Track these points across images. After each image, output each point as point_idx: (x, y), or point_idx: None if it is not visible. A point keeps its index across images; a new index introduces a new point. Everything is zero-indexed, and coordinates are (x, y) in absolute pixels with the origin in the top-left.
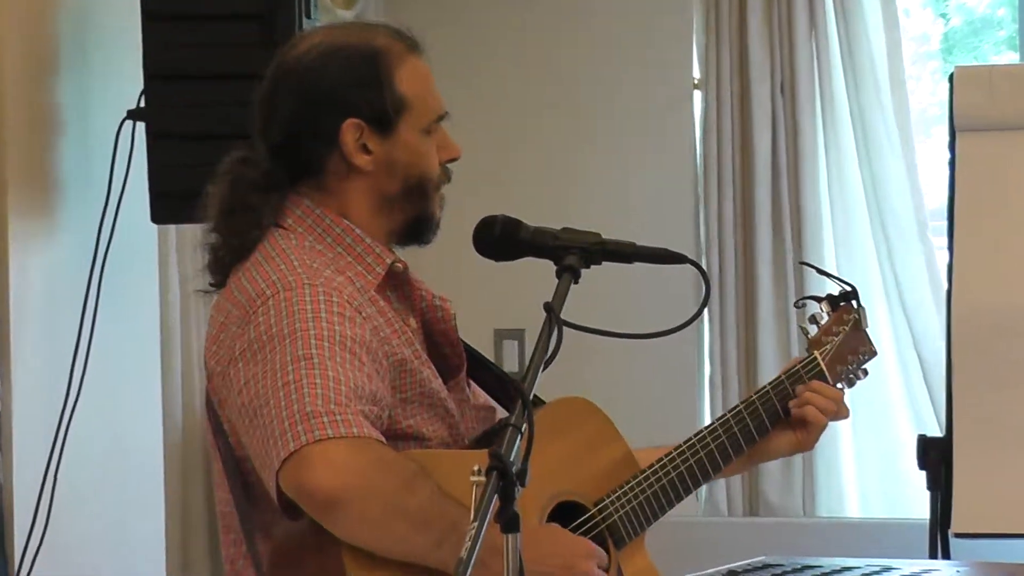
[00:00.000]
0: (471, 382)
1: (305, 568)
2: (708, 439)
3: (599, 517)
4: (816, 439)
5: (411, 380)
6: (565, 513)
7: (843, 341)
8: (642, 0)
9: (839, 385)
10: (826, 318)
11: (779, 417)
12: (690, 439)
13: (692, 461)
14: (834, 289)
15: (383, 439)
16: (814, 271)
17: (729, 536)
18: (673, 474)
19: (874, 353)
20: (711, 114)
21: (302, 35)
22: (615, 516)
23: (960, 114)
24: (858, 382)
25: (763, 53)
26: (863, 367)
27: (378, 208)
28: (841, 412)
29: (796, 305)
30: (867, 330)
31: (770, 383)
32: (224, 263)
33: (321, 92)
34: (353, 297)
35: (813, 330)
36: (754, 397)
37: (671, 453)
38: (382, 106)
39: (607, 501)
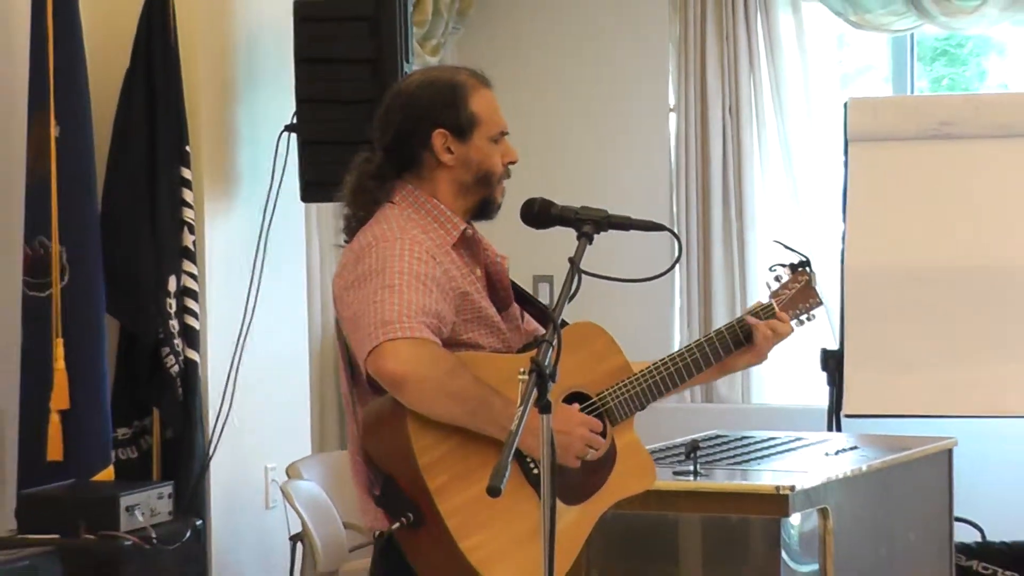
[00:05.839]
0: (526, 316)
1: (382, 431)
2: (685, 355)
3: (599, 403)
4: (765, 354)
5: (471, 307)
6: (577, 401)
7: (795, 294)
8: (628, 44)
9: (793, 323)
10: (785, 278)
11: (741, 343)
12: (672, 355)
13: (672, 369)
14: (794, 258)
15: (439, 342)
16: (777, 245)
17: (691, 416)
18: (657, 377)
19: (820, 303)
20: (681, 131)
21: (411, 73)
22: (611, 403)
23: (852, 130)
24: (807, 323)
25: (716, 85)
26: (812, 312)
27: (457, 192)
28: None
29: (770, 269)
30: (816, 287)
31: (735, 319)
32: (352, 228)
33: (419, 109)
34: (430, 248)
35: (775, 285)
36: (722, 328)
37: (657, 364)
38: (459, 120)
39: (606, 393)
